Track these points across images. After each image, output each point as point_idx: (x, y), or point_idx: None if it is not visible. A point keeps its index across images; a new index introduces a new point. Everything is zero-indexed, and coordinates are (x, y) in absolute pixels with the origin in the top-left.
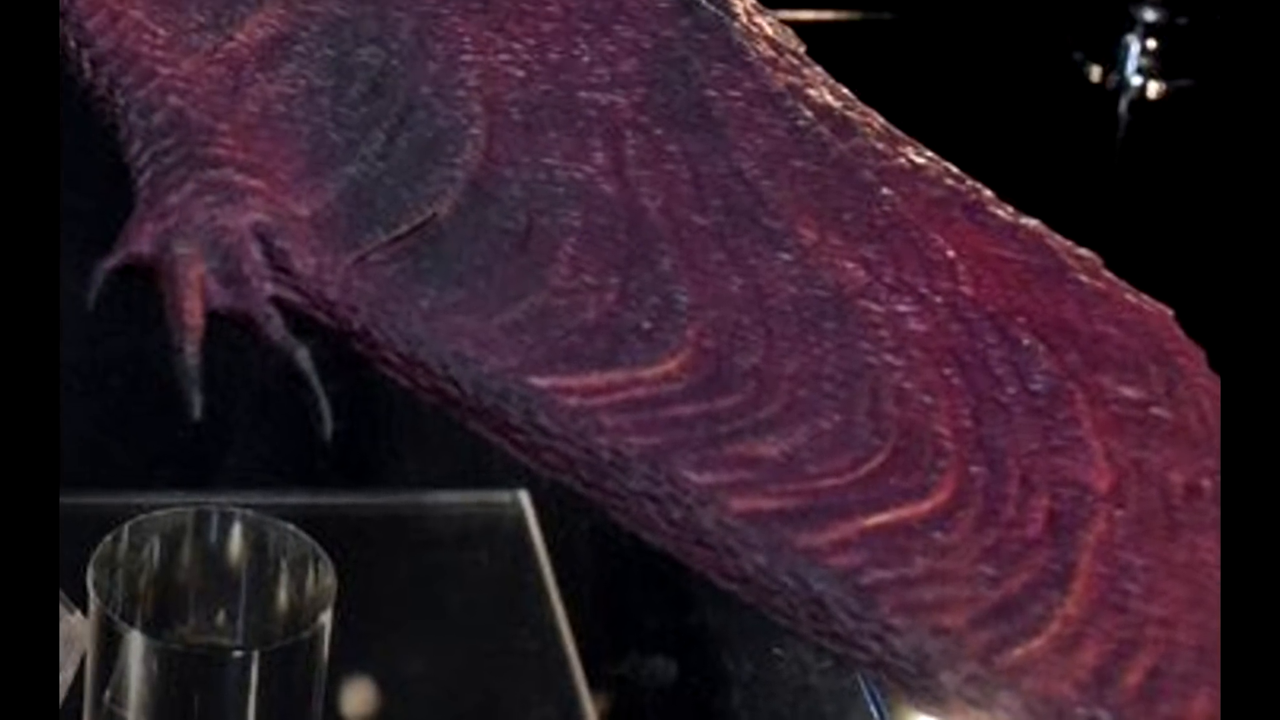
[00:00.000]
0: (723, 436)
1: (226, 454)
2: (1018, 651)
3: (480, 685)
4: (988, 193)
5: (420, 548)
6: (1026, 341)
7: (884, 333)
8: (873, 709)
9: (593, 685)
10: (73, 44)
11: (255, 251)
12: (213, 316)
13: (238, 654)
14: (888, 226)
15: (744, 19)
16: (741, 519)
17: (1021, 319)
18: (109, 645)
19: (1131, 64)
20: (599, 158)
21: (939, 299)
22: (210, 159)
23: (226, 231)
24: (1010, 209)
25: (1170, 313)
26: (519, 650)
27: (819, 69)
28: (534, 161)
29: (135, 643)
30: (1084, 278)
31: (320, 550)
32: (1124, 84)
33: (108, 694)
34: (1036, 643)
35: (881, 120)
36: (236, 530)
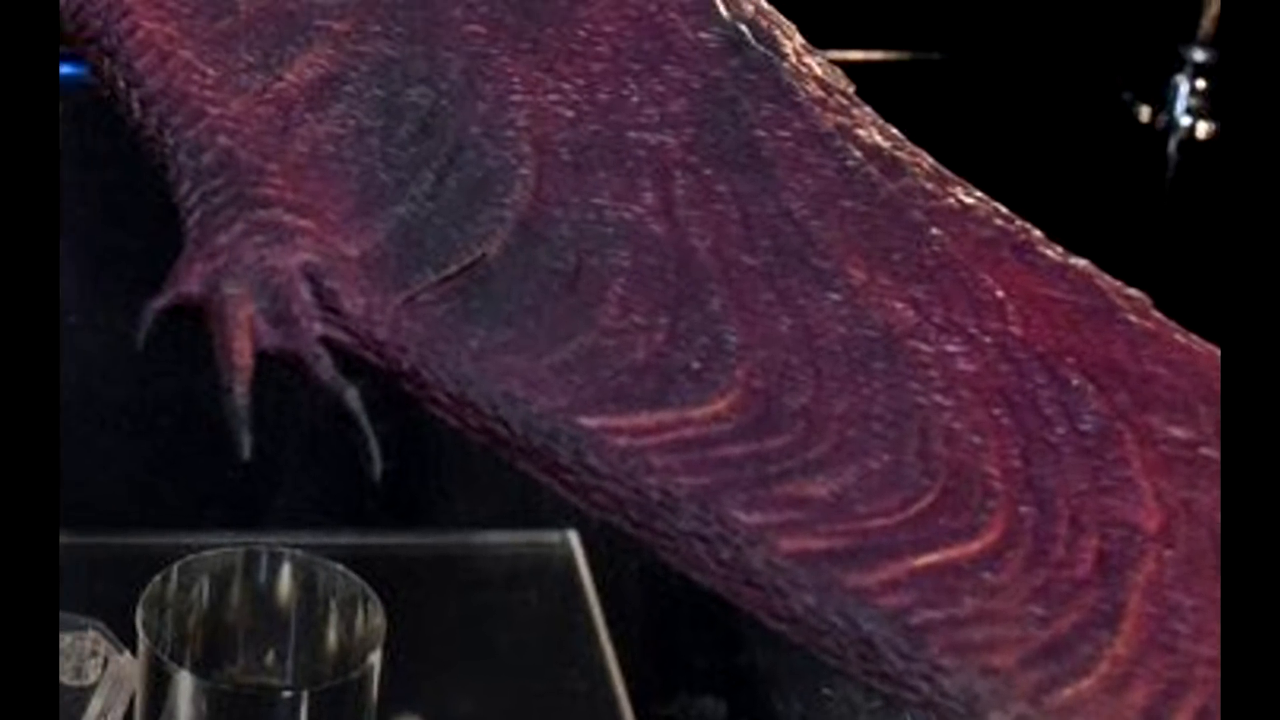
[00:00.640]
0: (772, 477)
1: (276, 494)
2: (1067, 692)
3: None
4: (1037, 233)
5: (469, 588)
6: (1076, 382)
7: (933, 373)
8: None
9: None
10: (122, 84)
11: (304, 292)
12: (262, 357)
13: (287, 694)
14: (937, 266)
15: (793, 59)
16: (790, 559)
17: (1071, 359)
18: (158, 685)
19: (1181, 104)
20: (648, 198)
21: (988, 339)
22: (259, 199)
23: (276, 272)
24: (1059, 249)
25: (1219, 353)
26: (568, 691)
27: (868, 109)
28: (583, 202)
29: (184, 683)
30: (1133, 318)
31: (369, 590)
32: (1173, 124)
33: None
34: (1086, 683)
35: (931, 160)
36: (286, 570)
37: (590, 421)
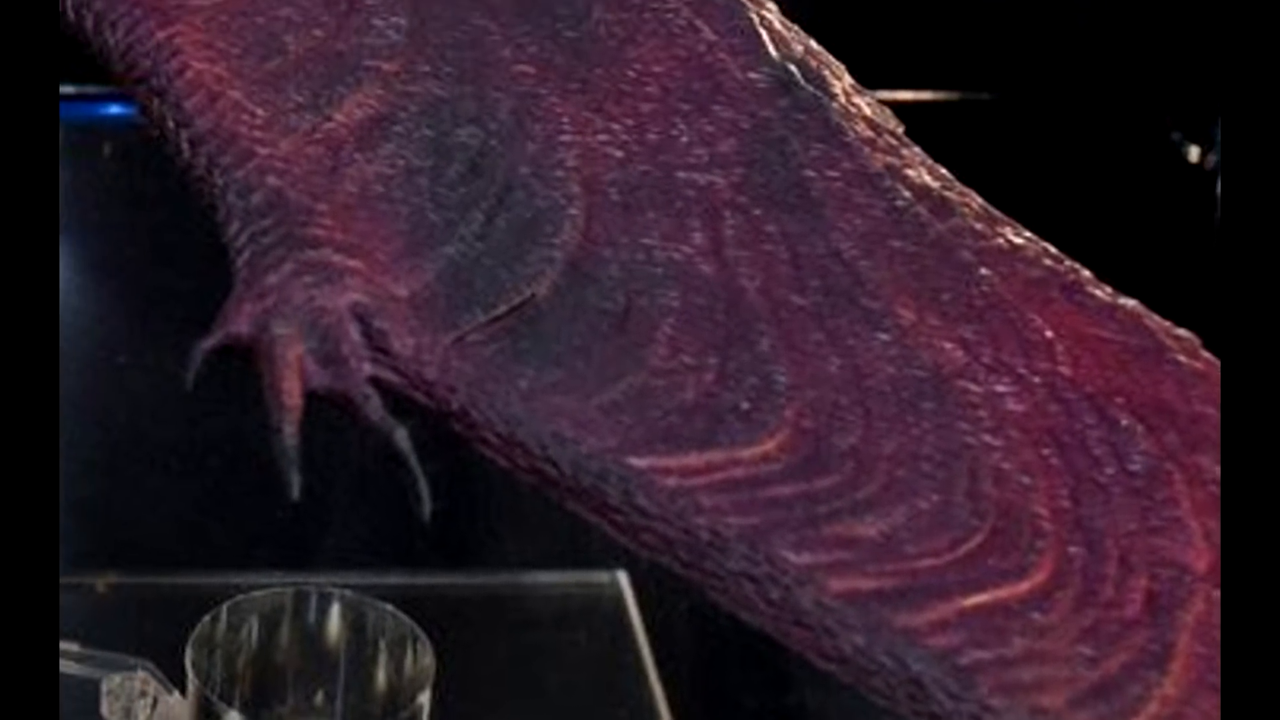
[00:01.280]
0: (821, 517)
1: (325, 534)
2: None
3: None
4: (1086, 273)
5: (519, 628)
6: (1125, 422)
7: (982, 413)
8: None
9: None
10: (171, 124)
11: (354, 332)
12: (311, 397)
13: None
14: (986, 307)
15: (842, 99)
16: (840, 599)
17: (1120, 399)
18: None
19: None
20: (697, 238)
21: (1037, 379)
22: (309, 239)
23: (325, 312)
24: (1108, 289)
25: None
26: None
27: (917, 149)
28: (632, 242)
29: None
30: (1182, 358)
31: (419, 630)
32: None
33: None
34: None
35: (979, 200)
36: (335, 610)
37: (639, 462)
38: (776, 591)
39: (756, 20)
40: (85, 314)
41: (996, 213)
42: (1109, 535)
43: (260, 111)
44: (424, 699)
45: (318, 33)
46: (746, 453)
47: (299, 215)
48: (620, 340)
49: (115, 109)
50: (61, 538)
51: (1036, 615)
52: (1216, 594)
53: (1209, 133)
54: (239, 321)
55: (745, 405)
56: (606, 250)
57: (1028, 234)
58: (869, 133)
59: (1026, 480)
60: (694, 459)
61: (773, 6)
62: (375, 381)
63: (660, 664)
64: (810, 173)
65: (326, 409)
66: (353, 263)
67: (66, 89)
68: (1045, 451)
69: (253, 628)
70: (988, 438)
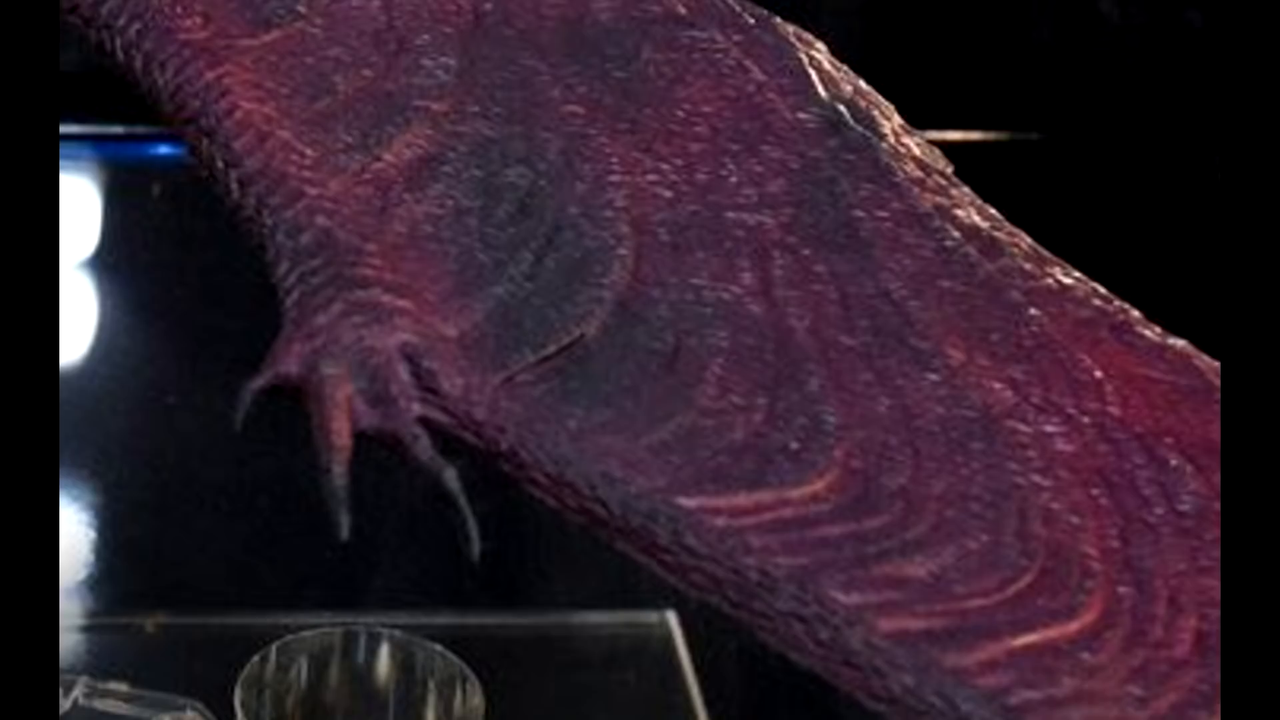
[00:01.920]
0: (870, 557)
1: (374, 574)
2: None
3: None
4: (1135, 313)
5: (568, 668)
6: (1174, 462)
7: (1031, 453)
8: None
9: None
10: (220, 164)
11: (403, 372)
12: (360, 437)
13: None
14: (1035, 346)
15: (891, 139)
16: (889, 639)
17: (1169, 439)
18: None
19: None
20: (746, 278)
21: (1086, 419)
22: (358, 279)
23: (374, 352)
24: (1158, 329)
25: None
26: None
27: (966, 189)
28: (681, 282)
29: None
30: None
31: (468, 670)
32: None
33: None
34: None
35: (1029, 240)
36: (384, 650)
37: (688, 502)
38: (826, 631)
39: (806, 60)
40: (134, 354)
41: (1045, 253)
42: (1158, 575)
43: (309, 151)
44: None
45: (367, 73)
46: (795, 493)
47: (348, 255)
48: (669, 380)
49: (164, 149)
50: (111, 577)
51: (1086, 655)
52: None
53: None
54: (288, 362)
55: (794, 445)
56: (655, 290)
57: (1077, 274)
58: (918, 173)
59: (1076, 520)
60: (743, 499)
61: (822, 47)
62: (424, 421)
63: (709, 704)
64: (859, 213)
65: (376, 449)
66: (402, 303)
67: (115, 129)
68: (1094, 491)
69: (302, 668)
70: (1037, 478)
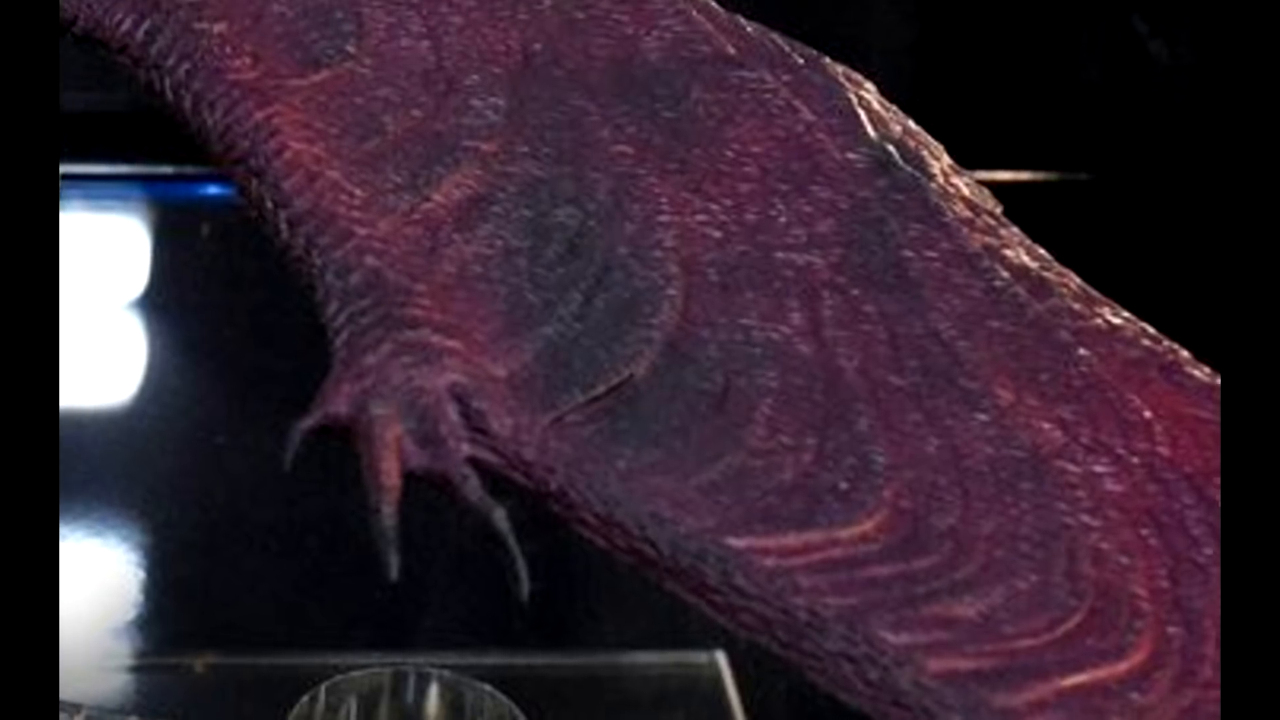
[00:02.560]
0: (920, 597)
1: (423, 614)
2: None
3: None
4: (1184, 353)
5: (617, 708)
6: None
7: (1081, 493)
8: None
9: None
10: (270, 204)
11: (452, 412)
12: (409, 477)
13: None
14: (1084, 387)
15: (941, 179)
16: (938, 679)
17: (1218, 480)
18: None
19: None
20: (796, 318)
21: (1136, 460)
22: (407, 319)
23: (424, 392)
24: (1207, 369)
25: None
26: None
27: (1015, 229)
28: (731, 322)
29: None
30: None
31: (517, 711)
32: None
33: None
34: None
35: (1078, 280)
36: (434, 691)
37: (738, 542)
38: (875, 672)
39: (855, 100)
40: (184, 394)
41: (1094, 293)
42: (1207, 615)
43: (359, 192)
44: None
45: (416, 113)
46: (845, 533)
47: (397, 295)
48: (718, 420)
49: (213, 189)
50: (160, 618)
51: (1135, 695)
52: None
53: None
54: (337, 402)
55: (843, 485)
56: (705, 330)
57: (1126, 314)
58: (967, 213)
59: (1125, 560)
60: (792, 539)
61: (871, 87)
62: (474, 462)
63: None
64: (908, 253)
65: (425, 489)
66: (451, 343)
67: (164, 169)
68: (1144, 531)
69: (351, 708)
70: (1086, 518)
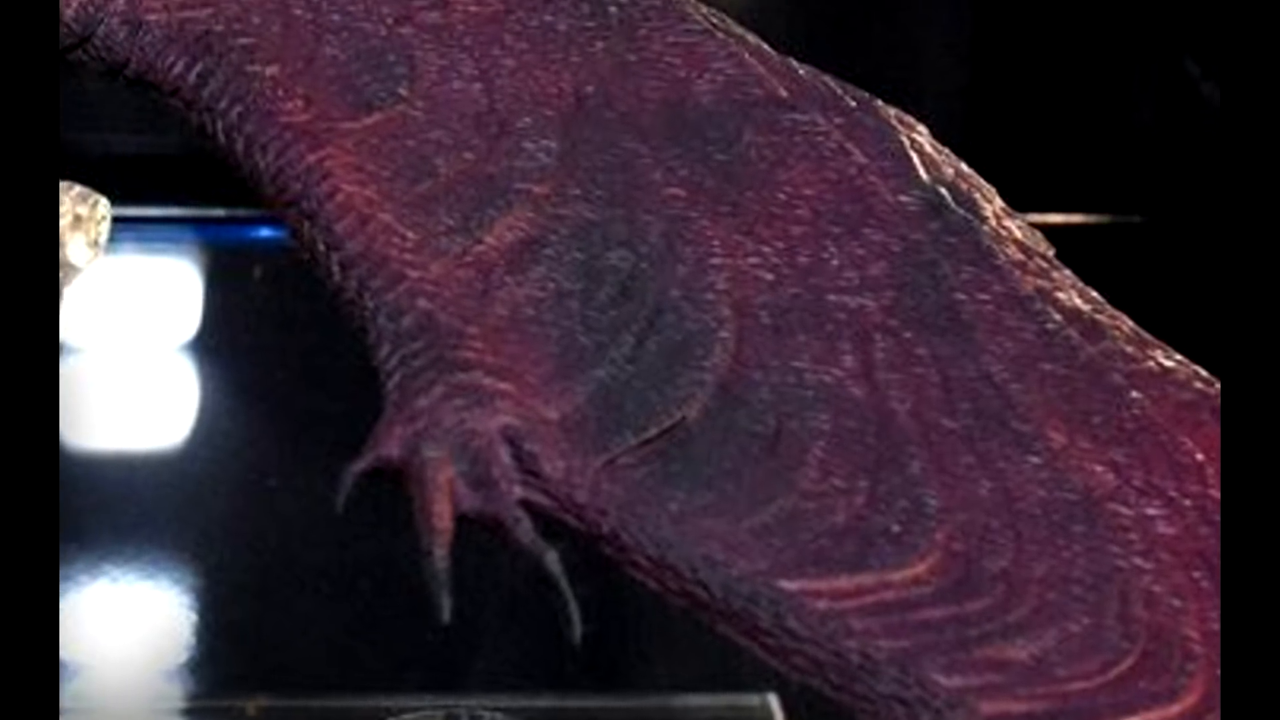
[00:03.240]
0: (972, 640)
1: (475, 657)
2: None
3: None
4: None
5: None
6: None
7: (1133, 536)
8: None
9: None
10: (322, 247)
11: (504, 455)
12: (462, 520)
13: None
14: (1137, 430)
15: (993, 222)
16: None
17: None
18: None
19: None
20: (848, 361)
21: (1188, 502)
22: (459, 362)
23: (476, 435)
24: None
25: None
26: None
27: (1068, 272)
28: (783, 365)
29: None
30: None
31: None
32: None
33: None
34: None
35: (1130, 323)
36: None
37: (790, 584)
38: (928, 714)
39: (907, 143)
40: (235, 437)
41: (1147, 336)
42: None
43: (411, 234)
44: None
45: (468, 155)
46: (897, 575)
47: (450, 338)
48: (771, 463)
49: (266, 232)
50: (212, 660)
51: None
52: None
53: None
54: (389, 444)
55: (896, 528)
56: (757, 373)
57: (1178, 357)
58: (1020, 256)
59: (1177, 603)
60: (845, 582)
61: (923, 129)
62: (526, 504)
63: None
64: (961, 296)
65: (477, 532)
66: (503, 386)
67: (216, 212)
68: (1196, 574)
69: None
70: (1139, 560)
